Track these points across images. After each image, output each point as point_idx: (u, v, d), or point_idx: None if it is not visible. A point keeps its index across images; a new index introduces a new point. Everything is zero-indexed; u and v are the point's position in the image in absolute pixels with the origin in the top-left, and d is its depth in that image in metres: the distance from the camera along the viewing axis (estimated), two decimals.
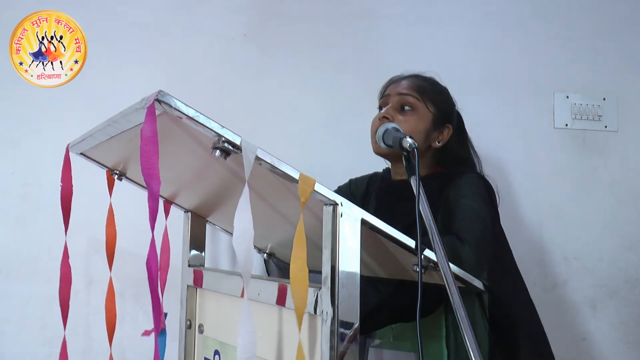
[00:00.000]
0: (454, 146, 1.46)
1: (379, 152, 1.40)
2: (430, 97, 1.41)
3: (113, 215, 1.26)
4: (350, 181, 1.59)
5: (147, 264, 0.84)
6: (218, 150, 0.84)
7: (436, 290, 1.08)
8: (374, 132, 1.39)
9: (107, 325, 1.29)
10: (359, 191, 1.55)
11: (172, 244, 1.41)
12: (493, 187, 1.40)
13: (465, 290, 1.14)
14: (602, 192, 1.94)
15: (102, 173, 1.28)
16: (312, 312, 0.94)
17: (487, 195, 1.35)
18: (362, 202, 1.52)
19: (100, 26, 1.75)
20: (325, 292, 0.90)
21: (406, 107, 1.40)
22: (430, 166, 1.43)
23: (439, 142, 1.43)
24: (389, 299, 1.20)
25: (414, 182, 1.06)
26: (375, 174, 1.56)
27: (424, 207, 1.01)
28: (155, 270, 0.84)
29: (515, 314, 1.33)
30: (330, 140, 1.84)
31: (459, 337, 1.23)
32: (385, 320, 1.27)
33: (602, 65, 1.97)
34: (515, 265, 1.40)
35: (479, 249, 1.21)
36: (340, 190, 1.57)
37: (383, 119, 1.38)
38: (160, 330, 1.23)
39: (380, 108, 1.46)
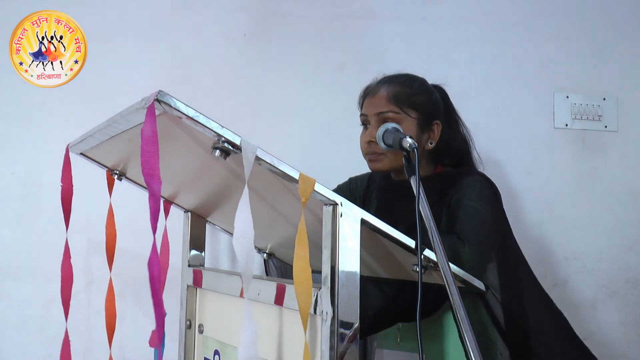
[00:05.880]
0: (447, 137, 1.42)
1: (375, 169, 1.37)
2: (408, 102, 1.34)
3: (113, 215, 1.26)
4: (350, 180, 1.59)
5: (148, 264, 0.84)
6: (218, 150, 0.84)
7: (438, 291, 1.08)
8: (365, 153, 1.37)
9: (107, 325, 1.29)
10: (359, 189, 1.55)
11: (172, 244, 1.41)
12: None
13: (467, 290, 1.14)
14: (602, 192, 1.94)
15: (102, 173, 1.28)
16: (312, 312, 0.94)
17: (492, 197, 1.34)
18: (362, 200, 1.52)
19: (100, 26, 1.75)
20: (325, 292, 0.90)
21: None
22: (428, 167, 1.41)
23: (431, 143, 1.38)
24: (393, 301, 1.20)
25: (414, 182, 1.06)
26: (375, 173, 1.56)
27: (424, 207, 1.01)
28: (158, 271, 0.84)
29: (527, 316, 1.30)
30: (330, 140, 1.84)
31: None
32: (390, 322, 1.26)
33: (602, 65, 1.97)
34: (527, 266, 1.37)
35: (480, 250, 1.21)
36: (339, 189, 1.56)
37: (370, 143, 1.34)
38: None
39: (362, 123, 1.40)
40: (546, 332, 1.32)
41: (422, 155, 1.39)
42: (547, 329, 1.33)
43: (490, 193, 1.34)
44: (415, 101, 1.35)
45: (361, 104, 1.43)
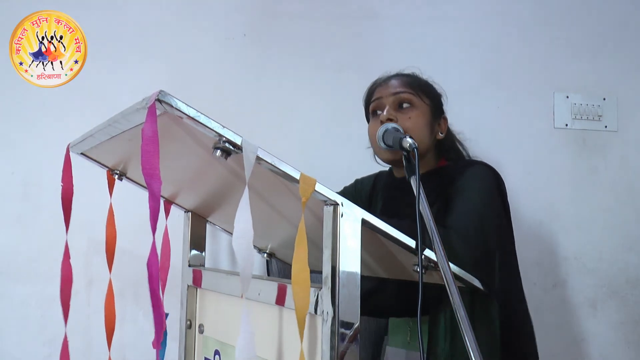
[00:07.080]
0: (450, 135, 1.47)
1: (385, 159, 1.38)
2: (422, 90, 1.39)
3: (113, 215, 1.26)
4: (356, 181, 1.59)
5: (147, 265, 0.84)
6: (219, 150, 0.84)
7: (433, 291, 1.08)
8: (375, 140, 1.32)
9: (106, 326, 1.28)
10: (365, 189, 1.55)
11: (172, 244, 1.41)
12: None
13: (466, 290, 1.14)
14: (602, 192, 1.94)
15: (103, 173, 1.28)
16: (313, 312, 0.94)
17: (493, 188, 1.32)
18: (369, 199, 1.52)
19: (100, 26, 1.75)
20: (326, 292, 0.90)
21: (404, 105, 1.37)
22: (437, 159, 1.43)
23: (441, 133, 1.43)
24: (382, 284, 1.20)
25: (414, 182, 1.06)
26: (381, 173, 1.56)
27: (424, 207, 1.01)
28: (156, 271, 0.84)
29: (519, 315, 1.32)
30: (330, 140, 1.84)
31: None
32: (379, 307, 1.26)
33: (602, 65, 1.97)
34: (517, 263, 1.39)
35: (473, 243, 1.19)
36: (345, 190, 1.57)
37: (388, 121, 1.32)
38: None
39: (374, 112, 1.41)
40: (529, 332, 1.35)
41: (432, 146, 1.42)
42: (530, 329, 1.35)
43: (492, 184, 1.33)
44: (427, 91, 1.40)
45: (370, 94, 1.44)
